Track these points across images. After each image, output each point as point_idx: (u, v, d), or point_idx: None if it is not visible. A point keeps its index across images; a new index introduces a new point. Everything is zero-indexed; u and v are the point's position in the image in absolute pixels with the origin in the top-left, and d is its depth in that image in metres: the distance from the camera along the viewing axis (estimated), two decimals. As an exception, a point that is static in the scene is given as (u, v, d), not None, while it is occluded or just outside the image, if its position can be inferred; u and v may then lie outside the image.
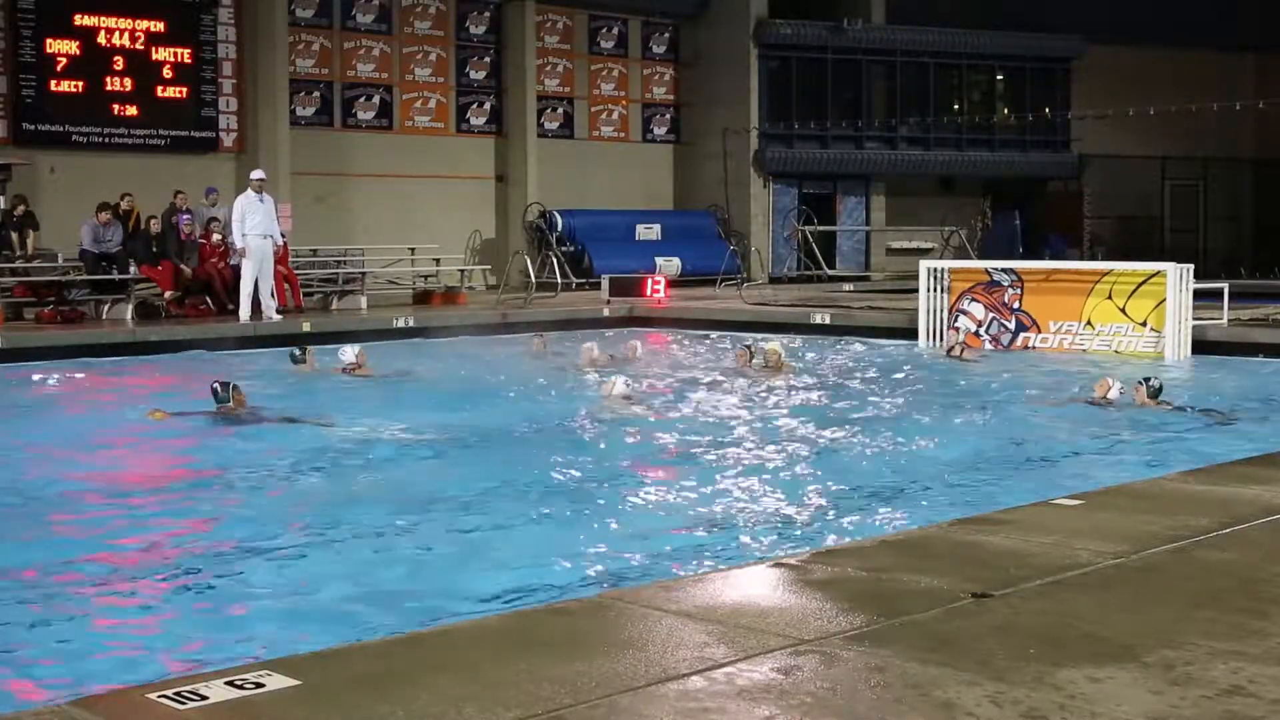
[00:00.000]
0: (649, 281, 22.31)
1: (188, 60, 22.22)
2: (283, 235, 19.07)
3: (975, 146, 30.92)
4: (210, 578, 6.21)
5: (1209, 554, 4.92)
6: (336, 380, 13.38)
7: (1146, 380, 11.49)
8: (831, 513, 7.54)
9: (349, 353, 13.76)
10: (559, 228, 26.02)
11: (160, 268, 18.08)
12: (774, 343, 14.51)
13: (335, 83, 24.53)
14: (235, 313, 17.82)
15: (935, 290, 16.95)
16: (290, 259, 19.71)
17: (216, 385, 10.97)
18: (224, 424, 10.61)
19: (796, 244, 29.15)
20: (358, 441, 9.90)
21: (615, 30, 28.38)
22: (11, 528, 7.30)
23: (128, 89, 21.56)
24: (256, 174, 18.31)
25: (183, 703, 3.23)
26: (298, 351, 14.26)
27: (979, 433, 10.57)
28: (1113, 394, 11.45)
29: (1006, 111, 31.42)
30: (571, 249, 25.98)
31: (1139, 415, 11.00)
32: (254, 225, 17.67)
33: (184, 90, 22.19)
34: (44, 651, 5.21)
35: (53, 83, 20.86)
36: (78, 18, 21.09)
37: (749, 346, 14.68)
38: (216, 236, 18.67)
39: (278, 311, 18.08)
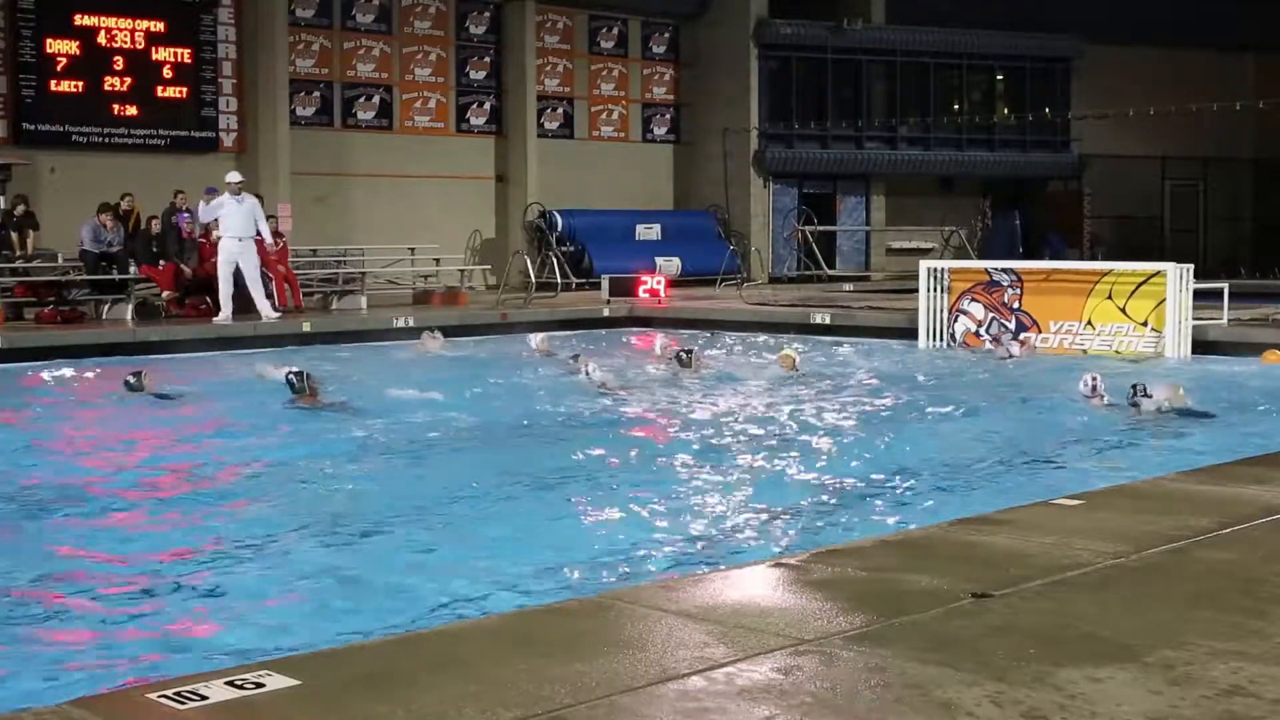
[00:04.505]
0: (641, 281, 22.17)
1: (188, 60, 22.22)
2: (282, 235, 18.98)
3: (975, 146, 30.91)
4: (210, 577, 6.21)
5: (1209, 554, 4.92)
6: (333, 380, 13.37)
7: (1159, 409, 10.85)
8: (831, 513, 7.53)
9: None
10: (559, 228, 26.01)
11: (162, 268, 18.07)
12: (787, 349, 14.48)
13: (335, 83, 24.53)
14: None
15: (935, 290, 16.95)
16: (290, 259, 19.70)
17: (291, 375, 11.14)
18: (219, 421, 10.61)
19: (797, 244, 29.14)
20: (356, 441, 9.90)
21: (615, 30, 28.37)
22: (9, 527, 7.30)
23: (127, 89, 21.57)
24: (232, 176, 17.96)
25: (183, 703, 3.23)
26: (131, 379, 12.01)
27: (979, 432, 10.56)
28: (1097, 386, 11.35)
29: (1006, 111, 31.41)
30: (571, 249, 25.97)
31: (1142, 414, 10.98)
32: (226, 227, 17.57)
33: (184, 90, 22.19)
34: (44, 651, 5.20)
35: (53, 83, 20.86)
36: (78, 18, 21.09)
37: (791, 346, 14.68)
38: (216, 235, 18.63)
39: (275, 310, 18.04)
